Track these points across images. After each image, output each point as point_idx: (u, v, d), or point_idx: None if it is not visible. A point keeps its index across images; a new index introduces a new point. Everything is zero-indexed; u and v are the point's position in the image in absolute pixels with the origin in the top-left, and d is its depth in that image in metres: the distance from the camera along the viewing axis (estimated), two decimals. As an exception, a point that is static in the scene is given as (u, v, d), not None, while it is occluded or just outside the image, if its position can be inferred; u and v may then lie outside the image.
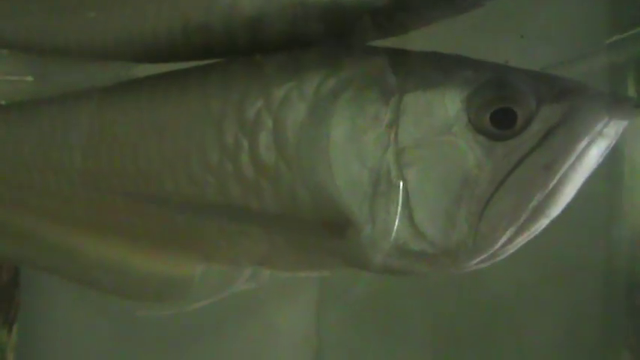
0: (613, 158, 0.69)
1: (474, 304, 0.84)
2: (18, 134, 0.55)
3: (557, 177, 0.40)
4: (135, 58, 0.52)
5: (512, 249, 0.43)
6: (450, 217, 0.41)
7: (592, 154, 0.41)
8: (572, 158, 0.40)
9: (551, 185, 0.40)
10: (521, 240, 0.43)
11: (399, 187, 0.42)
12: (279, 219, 0.46)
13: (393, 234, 0.42)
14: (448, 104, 0.42)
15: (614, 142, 0.41)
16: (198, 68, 0.49)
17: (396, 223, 0.42)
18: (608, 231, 0.85)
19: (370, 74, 0.43)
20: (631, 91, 0.77)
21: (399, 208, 0.42)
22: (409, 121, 0.42)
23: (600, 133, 0.41)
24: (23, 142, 0.54)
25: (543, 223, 0.42)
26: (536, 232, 0.43)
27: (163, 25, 0.48)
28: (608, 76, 0.76)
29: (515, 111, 0.41)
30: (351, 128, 0.42)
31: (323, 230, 0.44)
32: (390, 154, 0.42)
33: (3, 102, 0.58)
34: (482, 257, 0.43)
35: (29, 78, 0.59)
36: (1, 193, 0.55)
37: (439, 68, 0.43)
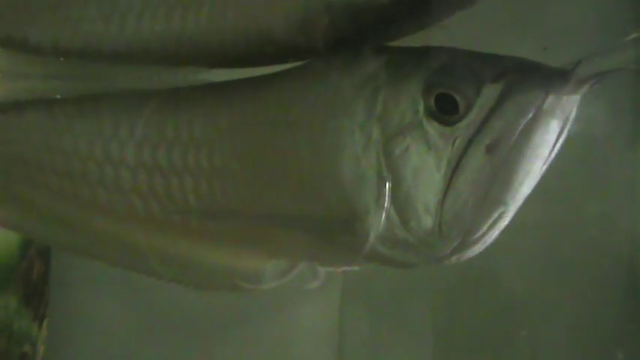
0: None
1: (490, 302, 0.84)
2: (75, 126, 0.55)
3: (502, 159, 0.40)
4: (200, 64, 0.53)
5: (485, 239, 0.43)
6: (422, 206, 0.42)
7: (540, 134, 0.40)
8: (513, 138, 0.40)
9: (498, 169, 0.40)
10: (490, 230, 0.43)
11: (385, 178, 0.43)
12: (296, 220, 0.48)
13: (383, 224, 0.43)
14: (411, 93, 0.43)
15: (569, 120, 0.40)
16: (268, 76, 0.51)
17: (384, 213, 0.43)
18: (632, 227, 0.84)
19: (366, 73, 0.45)
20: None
21: (386, 199, 0.43)
22: (389, 113, 0.43)
23: (543, 110, 0.40)
24: (81, 134, 0.54)
25: (504, 211, 0.42)
26: (502, 222, 0.43)
27: (229, 31, 0.49)
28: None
29: (453, 95, 0.41)
30: (350, 124, 0.44)
31: (335, 227, 0.45)
32: (378, 146, 0.43)
33: (58, 96, 0.59)
34: (456, 247, 0.43)
35: (56, 81, 0.60)
36: (50, 182, 0.55)
37: (413, 59, 0.45)
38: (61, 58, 0.54)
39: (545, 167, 0.42)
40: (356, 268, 0.52)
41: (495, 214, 0.42)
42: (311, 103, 0.47)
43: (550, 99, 0.40)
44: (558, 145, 0.41)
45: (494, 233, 0.43)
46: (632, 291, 0.83)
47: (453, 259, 0.45)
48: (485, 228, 0.42)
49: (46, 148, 0.55)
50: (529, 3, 0.72)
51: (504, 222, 0.43)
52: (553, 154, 0.42)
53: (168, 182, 0.51)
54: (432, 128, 0.42)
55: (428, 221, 0.42)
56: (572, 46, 0.72)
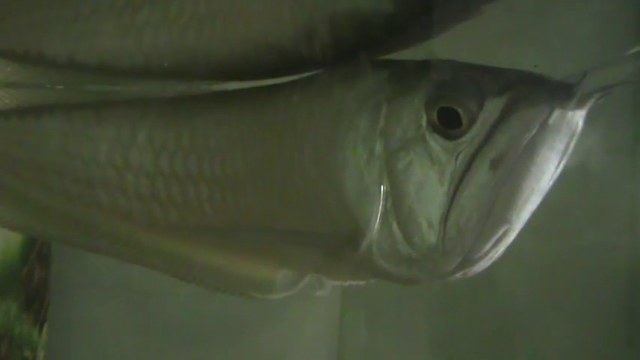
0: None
1: (489, 308, 0.84)
2: (94, 133, 0.54)
3: (507, 175, 0.39)
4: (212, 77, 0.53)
5: (490, 256, 0.43)
6: (426, 221, 0.41)
7: (545, 149, 0.39)
8: (518, 153, 0.39)
9: (502, 184, 0.40)
10: (494, 247, 0.42)
11: (388, 193, 0.42)
12: (303, 235, 0.48)
13: (386, 239, 0.43)
14: (414, 107, 0.42)
15: (575, 135, 0.40)
16: (275, 86, 0.50)
17: (387, 229, 0.42)
18: (631, 233, 0.84)
19: (369, 87, 0.44)
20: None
21: (389, 215, 0.42)
22: (392, 127, 0.42)
23: (549, 125, 0.39)
24: (100, 140, 0.54)
25: (509, 229, 0.41)
26: (507, 240, 0.42)
27: (240, 44, 0.48)
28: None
29: (456, 109, 0.40)
30: (354, 139, 0.43)
31: (339, 243, 0.45)
32: (381, 161, 0.42)
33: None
34: (460, 263, 0.42)
35: (60, 87, 0.60)
36: (69, 188, 0.55)
37: (416, 72, 0.44)
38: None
39: (550, 183, 0.41)
40: (362, 282, 0.52)
41: (500, 232, 0.41)
42: (316, 117, 0.46)
43: (556, 113, 0.39)
44: (564, 161, 0.40)
45: (499, 250, 0.43)
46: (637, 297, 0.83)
47: (458, 275, 0.44)
48: (489, 245, 0.42)
49: (65, 153, 0.55)
50: (531, 14, 0.72)
51: (509, 239, 0.42)
52: (559, 171, 0.41)
53: (186, 190, 0.51)
54: (435, 142, 0.41)
55: (431, 237, 0.41)
56: (574, 57, 0.72)
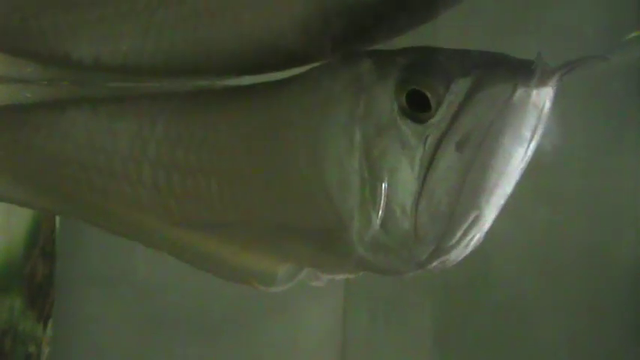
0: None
1: (492, 302, 0.84)
2: (117, 126, 0.55)
3: (473, 157, 0.39)
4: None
5: (465, 245, 0.42)
6: (399, 208, 0.41)
7: (511, 130, 0.39)
8: (482, 134, 0.39)
9: (469, 166, 0.39)
10: (467, 235, 0.41)
11: (367, 182, 0.42)
12: (293, 229, 0.48)
13: (366, 229, 0.42)
14: (387, 93, 0.42)
15: (542, 117, 0.39)
16: (271, 82, 0.51)
17: (368, 218, 0.42)
18: (636, 226, 0.84)
19: (351, 76, 0.44)
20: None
21: (368, 203, 0.42)
22: (368, 114, 0.42)
23: (513, 104, 0.38)
24: (122, 134, 0.54)
25: (480, 215, 0.41)
26: (480, 227, 0.41)
27: (249, 38, 0.49)
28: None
29: (423, 92, 0.40)
30: (335, 128, 0.43)
31: (326, 236, 0.45)
32: (360, 150, 0.42)
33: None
34: (434, 251, 0.42)
35: (65, 83, 0.60)
36: (93, 180, 0.55)
37: (390, 59, 0.44)
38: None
39: (521, 168, 0.40)
40: (352, 276, 0.52)
41: (470, 217, 0.41)
42: (307, 111, 0.46)
43: (519, 92, 0.38)
44: (533, 145, 0.39)
45: (474, 238, 0.42)
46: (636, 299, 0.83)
47: (435, 264, 0.43)
48: (461, 232, 0.41)
49: (89, 146, 0.55)
50: (529, 3, 0.72)
51: (483, 226, 0.41)
52: (529, 155, 0.40)
53: (198, 184, 0.52)
54: (406, 126, 0.41)
55: (405, 224, 0.41)
56: (574, 46, 0.72)
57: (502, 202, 0.41)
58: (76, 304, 0.92)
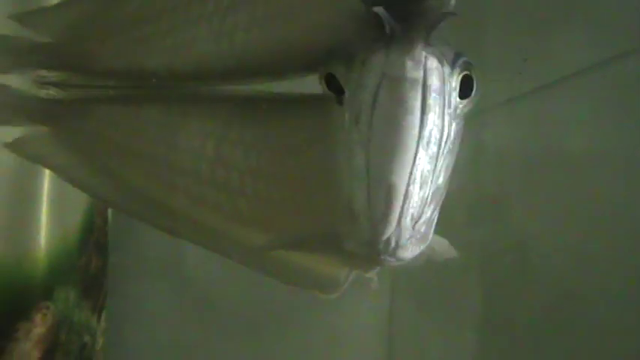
0: None
1: (538, 293, 0.83)
2: (191, 125, 0.57)
3: (366, 130, 0.40)
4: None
5: (401, 229, 0.42)
6: (349, 193, 0.42)
7: (392, 99, 0.39)
8: (368, 106, 0.40)
9: (366, 140, 0.40)
10: (400, 218, 0.41)
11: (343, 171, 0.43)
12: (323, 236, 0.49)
13: (347, 223, 0.43)
14: (322, 85, 0.43)
15: (429, 86, 0.39)
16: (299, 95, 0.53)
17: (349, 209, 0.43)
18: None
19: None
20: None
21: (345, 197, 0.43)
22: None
23: (388, 75, 0.39)
24: (196, 132, 0.56)
25: (394, 189, 0.40)
26: (409, 208, 0.41)
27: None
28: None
29: (334, 75, 0.42)
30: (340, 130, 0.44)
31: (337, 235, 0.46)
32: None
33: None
34: (371, 236, 0.42)
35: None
36: (163, 175, 0.58)
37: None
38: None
39: (427, 141, 0.40)
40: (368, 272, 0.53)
41: (382, 193, 0.41)
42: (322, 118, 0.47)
43: (389, 61, 0.39)
44: (432, 117, 0.40)
45: (406, 222, 0.42)
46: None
47: (390, 260, 0.43)
48: (385, 211, 0.41)
49: (162, 142, 0.57)
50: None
51: (411, 208, 0.41)
52: (428, 127, 0.40)
53: (269, 187, 0.53)
54: (337, 112, 0.43)
55: (352, 209, 0.42)
56: (621, 36, 0.71)
57: (418, 175, 0.41)
58: (128, 295, 0.94)
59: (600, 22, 0.73)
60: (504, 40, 0.75)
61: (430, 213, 0.44)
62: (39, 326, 0.77)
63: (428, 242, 0.46)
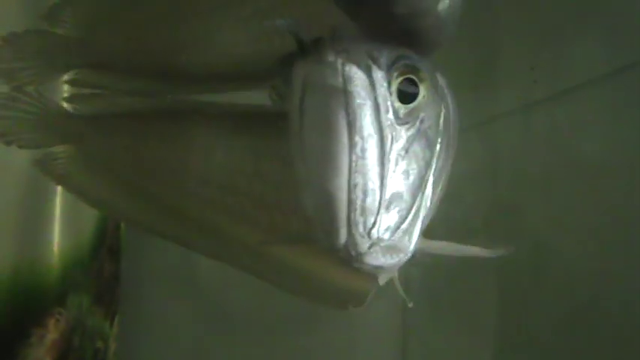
0: None
1: (549, 298, 0.82)
2: (231, 142, 0.58)
3: (297, 137, 0.41)
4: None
5: (371, 243, 0.43)
6: None
7: (315, 106, 0.40)
8: (296, 114, 0.41)
9: (300, 145, 0.41)
10: (354, 220, 0.42)
11: None
12: None
13: None
14: None
15: (349, 93, 0.40)
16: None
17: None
18: None
19: None
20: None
21: None
22: None
23: (307, 82, 0.40)
24: (236, 148, 0.57)
25: (332, 193, 0.41)
26: (371, 213, 0.42)
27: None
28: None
29: (275, 87, 0.43)
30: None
31: None
32: None
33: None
34: (328, 236, 0.43)
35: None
36: (202, 192, 0.58)
37: None
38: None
39: (361, 148, 0.40)
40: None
41: (324, 202, 0.41)
42: None
43: (307, 72, 0.40)
44: (361, 123, 0.40)
45: (358, 230, 0.42)
46: None
47: (357, 262, 0.44)
48: (330, 220, 0.42)
49: (199, 158, 0.58)
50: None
51: (360, 216, 0.42)
52: (360, 134, 0.40)
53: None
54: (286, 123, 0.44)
55: (307, 217, 0.43)
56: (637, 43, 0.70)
57: (359, 182, 0.41)
58: (141, 301, 0.94)
59: (615, 30, 0.72)
60: (519, 48, 0.75)
61: (398, 220, 0.43)
62: (52, 332, 0.77)
63: (409, 250, 0.45)
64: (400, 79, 0.42)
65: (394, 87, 0.42)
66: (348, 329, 0.95)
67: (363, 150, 0.40)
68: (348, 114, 0.40)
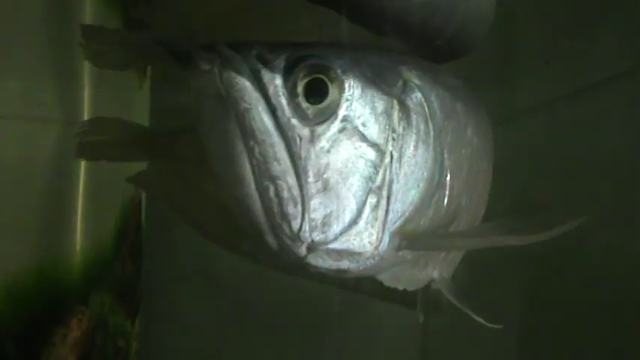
0: None
1: (576, 301, 0.82)
2: None
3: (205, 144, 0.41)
4: None
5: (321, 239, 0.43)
6: None
7: (204, 112, 0.40)
8: (202, 119, 0.41)
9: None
10: (279, 223, 0.42)
11: None
12: None
13: None
14: None
15: (236, 100, 0.40)
16: None
17: None
18: None
19: None
20: None
21: None
22: None
23: (196, 89, 0.40)
24: None
25: (243, 193, 0.41)
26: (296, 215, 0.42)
27: None
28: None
29: None
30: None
31: None
32: None
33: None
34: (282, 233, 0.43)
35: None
36: None
37: None
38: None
39: (260, 151, 0.40)
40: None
41: (239, 207, 0.41)
42: None
43: (192, 81, 0.40)
44: (256, 125, 0.40)
45: (285, 232, 0.42)
46: None
47: (302, 263, 0.44)
48: (252, 224, 0.42)
49: None
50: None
51: (283, 220, 0.42)
52: (256, 137, 0.40)
53: None
54: None
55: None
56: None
57: (269, 186, 0.41)
58: (162, 300, 0.95)
59: (636, 27, 0.72)
60: (540, 44, 0.74)
61: (340, 222, 0.43)
62: (75, 330, 0.77)
63: (370, 251, 0.44)
64: (307, 79, 0.42)
65: (300, 88, 0.41)
66: (368, 326, 0.95)
67: (263, 154, 0.40)
68: (238, 118, 0.40)
